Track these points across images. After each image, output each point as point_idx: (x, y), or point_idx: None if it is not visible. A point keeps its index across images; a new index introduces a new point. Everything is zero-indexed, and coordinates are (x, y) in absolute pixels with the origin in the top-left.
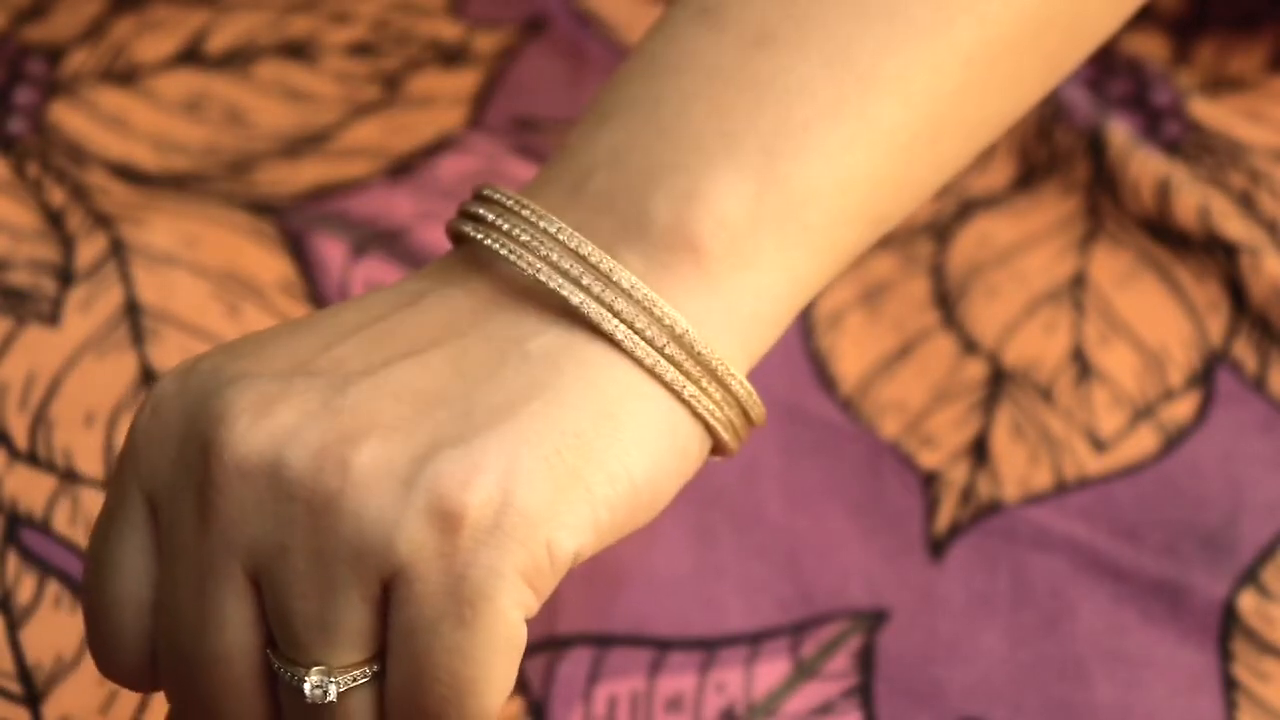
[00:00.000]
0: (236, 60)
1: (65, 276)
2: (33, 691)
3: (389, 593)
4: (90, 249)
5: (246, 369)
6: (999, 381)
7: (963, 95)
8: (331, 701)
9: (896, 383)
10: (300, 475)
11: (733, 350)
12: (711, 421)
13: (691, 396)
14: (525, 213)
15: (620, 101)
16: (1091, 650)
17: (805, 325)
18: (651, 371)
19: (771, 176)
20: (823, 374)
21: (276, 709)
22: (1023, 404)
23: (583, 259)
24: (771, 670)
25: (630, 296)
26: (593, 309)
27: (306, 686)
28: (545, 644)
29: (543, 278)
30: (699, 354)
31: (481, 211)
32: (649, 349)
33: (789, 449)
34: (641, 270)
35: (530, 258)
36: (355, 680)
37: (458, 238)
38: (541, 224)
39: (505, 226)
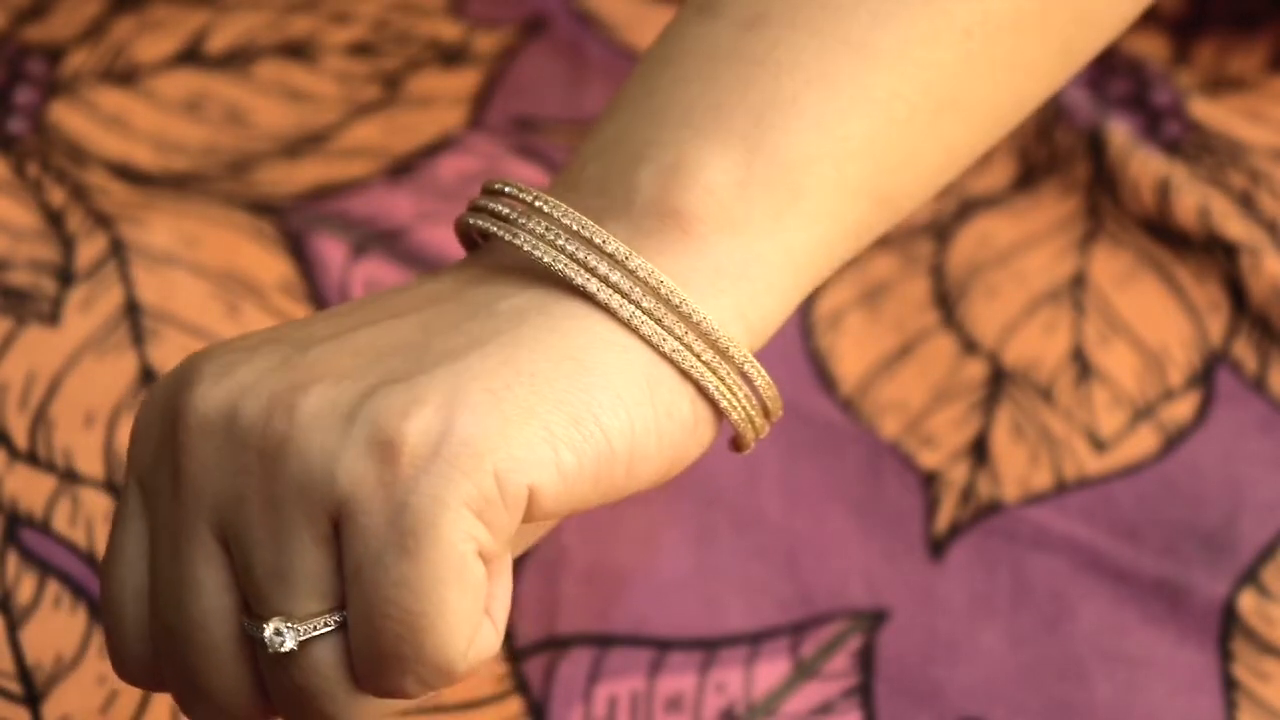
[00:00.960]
0: (236, 60)
1: (65, 276)
2: (33, 691)
3: (339, 532)
4: (90, 249)
5: (224, 347)
6: (999, 381)
7: (963, 69)
8: (293, 650)
9: (896, 383)
10: (252, 423)
11: (723, 312)
12: (703, 382)
13: (674, 352)
14: (510, 190)
15: (621, 100)
16: (1091, 650)
17: (805, 325)
18: (628, 325)
19: (760, 144)
20: (823, 374)
21: (260, 676)
22: (1023, 404)
23: (556, 221)
24: (771, 670)
25: (603, 252)
26: (566, 265)
27: (265, 634)
28: (545, 644)
29: (518, 242)
30: (678, 307)
31: (479, 200)
32: (624, 301)
33: (789, 449)
34: (625, 237)
35: (510, 227)
36: (316, 630)
37: (462, 233)
38: (523, 197)
39: (491, 206)
